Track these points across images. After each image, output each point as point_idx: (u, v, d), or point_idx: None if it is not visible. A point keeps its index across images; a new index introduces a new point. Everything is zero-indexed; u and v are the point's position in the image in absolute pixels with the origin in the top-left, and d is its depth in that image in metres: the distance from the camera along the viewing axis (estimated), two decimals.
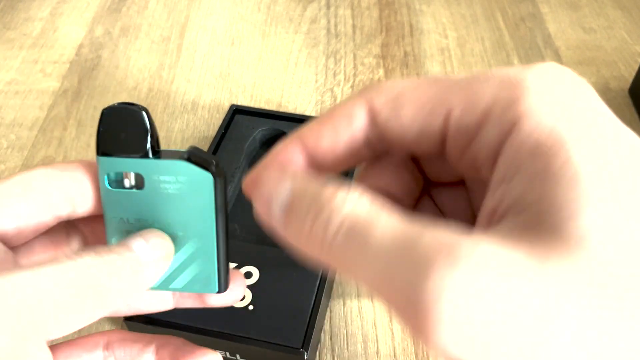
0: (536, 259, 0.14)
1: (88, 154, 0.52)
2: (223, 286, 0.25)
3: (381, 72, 0.61)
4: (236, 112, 0.49)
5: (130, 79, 0.60)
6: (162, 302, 0.26)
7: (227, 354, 0.35)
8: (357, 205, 0.16)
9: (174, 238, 0.24)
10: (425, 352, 0.39)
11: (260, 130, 0.47)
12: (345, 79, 0.60)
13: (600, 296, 0.13)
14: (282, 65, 0.61)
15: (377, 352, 0.39)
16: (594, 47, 0.63)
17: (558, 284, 0.13)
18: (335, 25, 0.66)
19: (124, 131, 0.22)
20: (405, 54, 0.63)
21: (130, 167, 0.22)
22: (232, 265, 0.37)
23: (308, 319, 0.35)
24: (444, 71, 0.61)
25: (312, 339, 0.34)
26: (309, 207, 0.17)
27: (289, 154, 0.20)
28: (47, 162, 0.52)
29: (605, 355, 0.13)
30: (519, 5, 0.69)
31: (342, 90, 0.59)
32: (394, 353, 0.39)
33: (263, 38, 0.65)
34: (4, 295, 0.18)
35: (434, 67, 0.61)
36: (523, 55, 0.62)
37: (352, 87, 0.59)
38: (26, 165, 0.51)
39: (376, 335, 0.40)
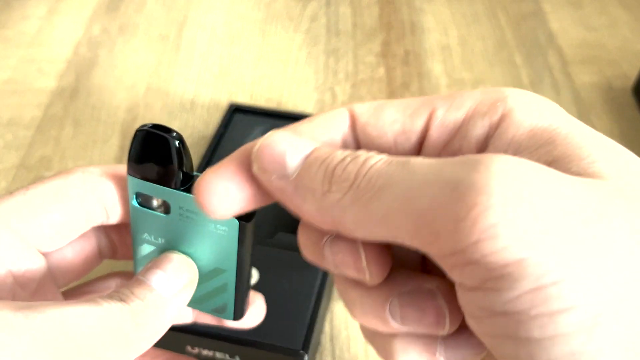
0: (575, 177, 0.16)
1: (86, 153, 0.52)
2: (239, 315, 0.25)
3: (382, 70, 0.60)
4: (235, 111, 0.48)
5: (129, 77, 0.59)
6: (182, 317, 0.27)
7: (227, 355, 0.35)
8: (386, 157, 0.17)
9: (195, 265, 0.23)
10: None
11: (260, 129, 0.47)
12: (345, 77, 0.59)
13: (632, 205, 0.16)
14: (282, 64, 0.61)
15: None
16: (597, 46, 0.63)
17: (603, 190, 0.15)
18: (336, 24, 0.66)
19: (154, 158, 0.21)
20: (406, 52, 0.62)
21: (157, 193, 0.22)
22: None
23: (308, 321, 0.34)
24: (445, 70, 0.60)
25: (312, 341, 0.34)
26: (337, 156, 0.18)
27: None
28: (44, 162, 0.51)
29: None
30: (520, 3, 0.68)
31: (343, 88, 0.58)
32: None
33: (263, 36, 0.64)
34: (44, 327, 0.18)
35: (435, 65, 0.61)
36: (525, 54, 0.61)
37: (353, 85, 0.58)
38: (23, 166, 0.51)
39: None
